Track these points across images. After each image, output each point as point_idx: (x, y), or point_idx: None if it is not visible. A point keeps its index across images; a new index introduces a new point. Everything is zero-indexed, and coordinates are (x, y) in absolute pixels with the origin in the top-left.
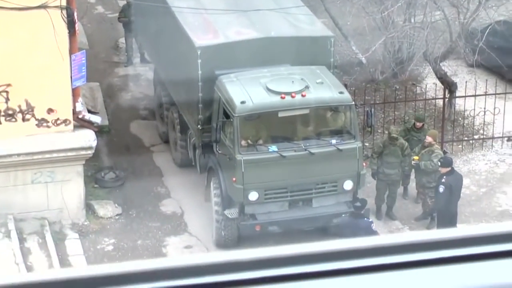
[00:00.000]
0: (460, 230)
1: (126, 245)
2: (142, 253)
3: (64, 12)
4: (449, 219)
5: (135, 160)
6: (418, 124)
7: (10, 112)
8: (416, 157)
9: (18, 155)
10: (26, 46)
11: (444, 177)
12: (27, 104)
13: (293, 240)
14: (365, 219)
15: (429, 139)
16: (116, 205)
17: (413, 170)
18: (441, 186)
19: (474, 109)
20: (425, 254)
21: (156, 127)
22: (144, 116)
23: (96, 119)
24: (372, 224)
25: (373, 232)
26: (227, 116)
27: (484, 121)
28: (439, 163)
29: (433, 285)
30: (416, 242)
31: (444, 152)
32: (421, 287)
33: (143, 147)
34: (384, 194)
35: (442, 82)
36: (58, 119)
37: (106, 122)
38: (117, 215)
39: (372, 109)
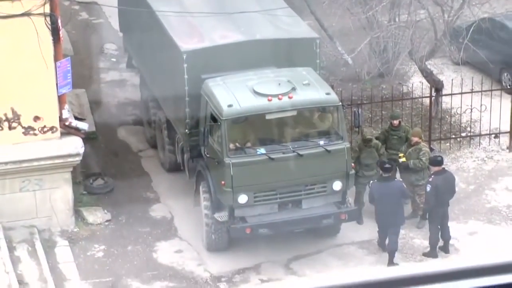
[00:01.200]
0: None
1: (116, 251)
2: (132, 258)
3: (48, 19)
4: (439, 219)
5: (123, 165)
6: (395, 122)
7: None
8: (401, 154)
9: (6, 163)
10: (10, 54)
11: (432, 176)
12: (13, 112)
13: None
14: (396, 180)
15: (414, 139)
16: (105, 211)
17: (397, 169)
18: (428, 185)
19: (461, 107)
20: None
21: (144, 133)
22: (131, 122)
23: (83, 125)
24: (403, 184)
25: (406, 191)
26: (214, 119)
27: (471, 119)
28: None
29: None
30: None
31: (431, 149)
32: None
33: (131, 153)
34: (363, 196)
35: (428, 81)
36: (44, 126)
37: (93, 129)
38: (106, 221)
39: (359, 109)
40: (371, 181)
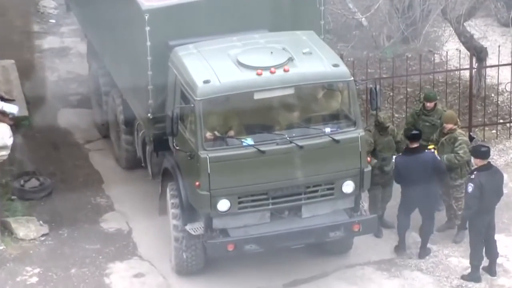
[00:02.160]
0: None
1: (55, 276)
2: (77, 285)
3: None
4: (483, 231)
5: (65, 161)
6: (429, 105)
7: None
8: (431, 146)
9: None
10: None
11: (475, 173)
12: None
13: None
14: (426, 150)
15: (448, 125)
16: (41, 222)
17: None
18: (469, 184)
19: (511, 82)
20: None
21: (93, 118)
22: (76, 104)
23: (12, 108)
24: (436, 155)
25: (440, 163)
26: (186, 100)
27: None
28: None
29: None
30: None
31: (471, 138)
32: None
33: (76, 145)
34: (379, 201)
35: (467, 48)
36: None
37: (26, 113)
38: (42, 235)
39: (377, 86)
40: (395, 156)
